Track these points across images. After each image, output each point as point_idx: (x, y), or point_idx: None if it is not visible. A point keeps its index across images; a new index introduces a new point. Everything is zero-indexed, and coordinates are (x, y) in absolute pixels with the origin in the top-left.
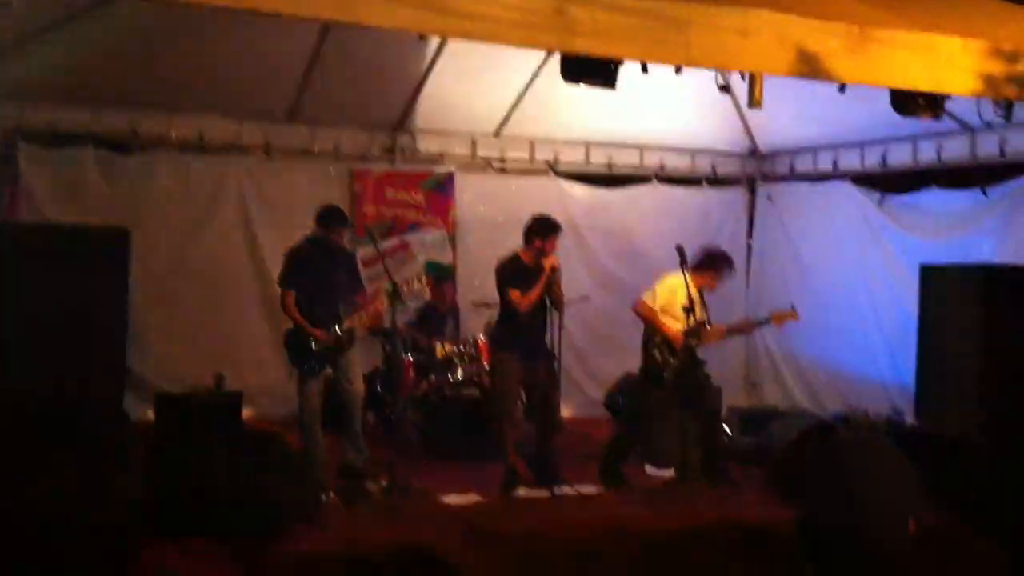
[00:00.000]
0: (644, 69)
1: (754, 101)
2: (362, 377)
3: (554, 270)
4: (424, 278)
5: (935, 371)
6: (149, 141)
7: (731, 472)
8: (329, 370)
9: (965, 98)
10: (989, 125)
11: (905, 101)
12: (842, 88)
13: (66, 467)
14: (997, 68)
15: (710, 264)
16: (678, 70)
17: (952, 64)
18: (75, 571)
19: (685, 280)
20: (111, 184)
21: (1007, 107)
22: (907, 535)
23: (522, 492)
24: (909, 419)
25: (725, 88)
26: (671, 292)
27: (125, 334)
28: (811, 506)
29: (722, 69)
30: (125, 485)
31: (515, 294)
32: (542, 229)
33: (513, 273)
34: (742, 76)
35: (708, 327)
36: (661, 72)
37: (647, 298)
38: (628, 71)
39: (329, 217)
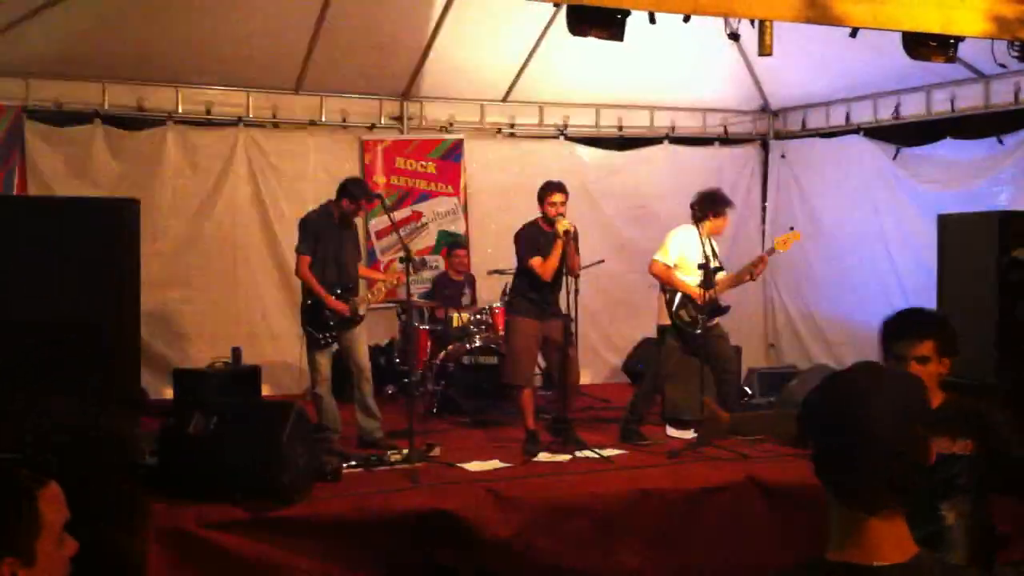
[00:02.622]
0: (652, 20)
1: (764, 48)
2: (368, 350)
3: (567, 233)
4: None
5: (954, 320)
6: (157, 116)
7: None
8: (336, 345)
9: (978, 44)
10: (1003, 67)
11: (916, 44)
12: (853, 33)
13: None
14: (1009, 9)
15: (707, 209)
16: (686, 19)
17: (963, 4)
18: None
19: (699, 236)
20: (120, 160)
21: (1021, 48)
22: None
23: (543, 456)
24: None
25: (735, 36)
26: (683, 245)
27: (138, 309)
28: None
29: (730, 16)
30: (135, 449)
31: (536, 261)
32: (540, 193)
33: (532, 240)
34: (751, 24)
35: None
36: (670, 29)
37: (660, 256)
38: (636, 28)
39: (355, 189)
